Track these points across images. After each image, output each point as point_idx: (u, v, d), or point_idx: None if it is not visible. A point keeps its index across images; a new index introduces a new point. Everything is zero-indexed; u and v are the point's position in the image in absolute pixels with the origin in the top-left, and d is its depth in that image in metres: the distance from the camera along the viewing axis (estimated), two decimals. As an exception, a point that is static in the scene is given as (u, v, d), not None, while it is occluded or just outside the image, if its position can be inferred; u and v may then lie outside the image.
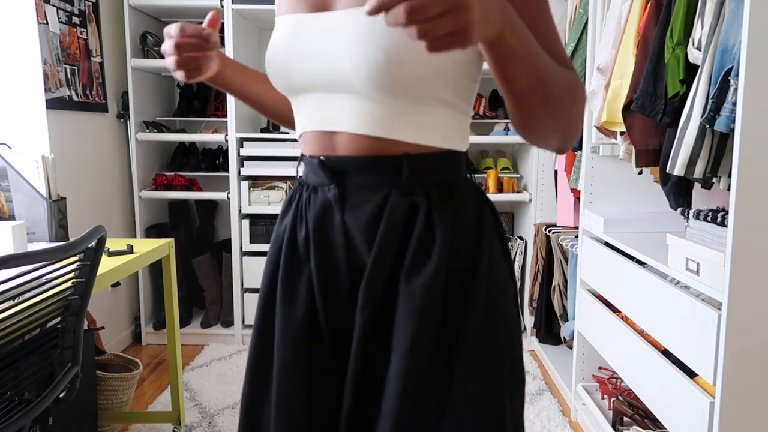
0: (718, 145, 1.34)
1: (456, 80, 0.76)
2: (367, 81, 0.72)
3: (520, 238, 3.06)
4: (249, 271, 3.00)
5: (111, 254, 1.71)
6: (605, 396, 2.09)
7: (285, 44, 0.79)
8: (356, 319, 0.76)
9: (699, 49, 1.38)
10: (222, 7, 2.76)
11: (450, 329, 0.75)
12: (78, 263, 1.25)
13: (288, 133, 3.02)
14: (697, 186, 1.63)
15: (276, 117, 1.02)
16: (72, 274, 1.25)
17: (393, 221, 0.75)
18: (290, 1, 0.81)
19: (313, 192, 0.81)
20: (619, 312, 1.84)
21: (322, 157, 0.79)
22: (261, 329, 0.89)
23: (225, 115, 2.94)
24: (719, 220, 1.32)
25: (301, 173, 0.87)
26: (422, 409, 0.73)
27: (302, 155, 0.85)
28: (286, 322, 0.82)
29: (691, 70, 1.41)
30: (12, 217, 1.84)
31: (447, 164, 0.79)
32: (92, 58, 2.68)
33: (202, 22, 0.86)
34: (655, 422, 1.82)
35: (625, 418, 1.92)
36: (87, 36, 2.63)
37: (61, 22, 2.43)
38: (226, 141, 2.89)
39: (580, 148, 2.21)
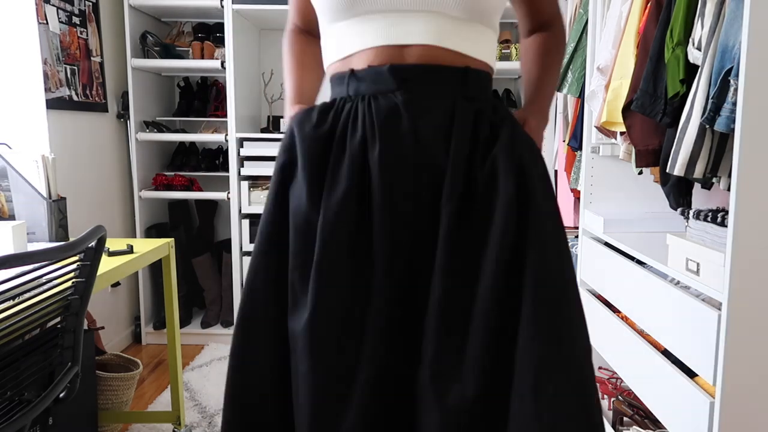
0: (718, 145, 1.34)
1: (501, 12, 0.88)
2: (464, 4, 0.80)
3: (520, 238, 3.06)
4: (249, 271, 3.00)
5: (111, 254, 1.71)
6: (605, 396, 2.09)
7: None
8: (442, 211, 0.81)
9: (699, 49, 1.38)
10: (222, 7, 2.76)
11: (525, 217, 0.83)
12: (78, 263, 1.26)
13: (288, 133, 3.02)
14: (697, 186, 1.63)
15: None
16: (72, 274, 1.26)
17: (465, 123, 0.82)
18: None
19: (373, 99, 0.83)
20: (619, 312, 1.84)
21: (389, 65, 0.82)
22: (266, 252, 0.89)
23: (225, 115, 2.94)
24: (719, 220, 1.32)
25: (337, 92, 0.91)
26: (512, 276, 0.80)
27: (350, 72, 0.87)
28: (329, 208, 0.83)
29: (691, 70, 1.41)
30: (12, 217, 1.84)
31: (490, 84, 0.91)
32: (92, 58, 2.68)
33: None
34: (655, 422, 1.82)
35: (625, 418, 1.92)
36: (87, 36, 2.63)
37: (61, 22, 2.43)
38: (226, 141, 2.89)
39: (580, 148, 2.21)
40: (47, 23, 2.33)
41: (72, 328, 1.32)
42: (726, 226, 1.25)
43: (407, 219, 0.83)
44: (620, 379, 2.07)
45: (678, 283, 1.49)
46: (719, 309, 1.25)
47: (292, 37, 1.09)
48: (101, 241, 1.27)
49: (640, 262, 1.68)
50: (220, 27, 2.90)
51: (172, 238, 1.98)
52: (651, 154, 1.62)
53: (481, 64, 0.87)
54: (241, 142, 2.91)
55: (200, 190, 3.09)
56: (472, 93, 0.85)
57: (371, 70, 0.84)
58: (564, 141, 2.50)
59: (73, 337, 1.34)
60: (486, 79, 0.89)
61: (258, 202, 2.95)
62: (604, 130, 1.89)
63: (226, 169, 2.96)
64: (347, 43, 0.87)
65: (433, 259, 0.81)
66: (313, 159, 0.86)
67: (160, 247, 1.88)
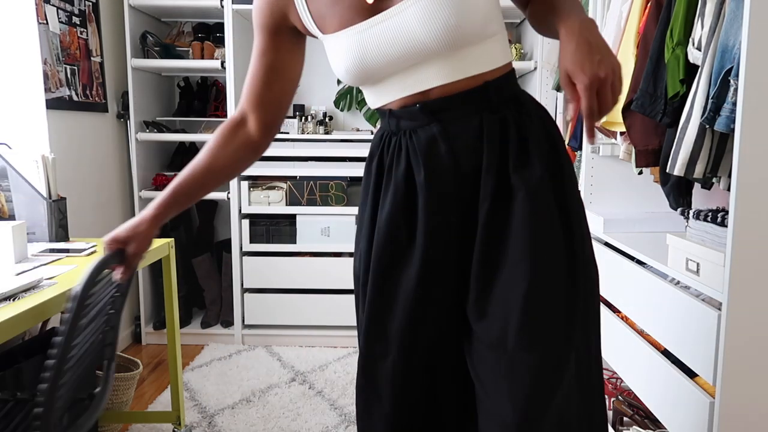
0: (718, 145, 1.34)
1: (495, 11, 0.93)
2: (447, 44, 0.88)
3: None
4: (249, 271, 3.00)
5: (111, 254, 1.71)
6: (605, 396, 2.09)
7: (359, 52, 0.92)
8: (479, 213, 0.92)
9: (699, 49, 1.38)
10: (222, 7, 2.76)
11: (560, 204, 0.93)
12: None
13: (288, 133, 3.02)
14: (697, 186, 1.63)
15: (221, 180, 1.12)
16: (112, 290, 1.28)
17: (492, 135, 0.92)
18: (340, 19, 0.93)
19: (413, 133, 0.95)
20: (619, 312, 1.84)
21: (418, 105, 0.93)
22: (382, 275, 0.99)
23: (225, 115, 2.94)
24: (719, 220, 1.32)
25: (379, 128, 1.05)
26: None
27: (389, 110, 0.98)
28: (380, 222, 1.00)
29: (691, 70, 1.41)
30: (12, 217, 1.84)
31: (511, 78, 0.98)
32: (92, 58, 2.68)
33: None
34: (655, 422, 1.82)
35: (625, 418, 1.92)
36: (87, 36, 2.63)
37: (61, 22, 2.43)
38: None
39: (580, 148, 2.21)
40: (47, 23, 2.33)
41: (111, 341, 1.39)
42: (726, 226, 1.25)
43: (452, 224, 0.95)
44: (620, 379, 2.07)
45: (678, 283, 1.49)
46: (719, 309, 1.25)
47: (223, 128, 1.12)
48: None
49: (640, 262, 1.68)
50: (220, 27, 2.90)
51: (172, 238, 1.98)
52: (651, 154, 1.62)
53: (496, 71, 0.94)
54: (241, 142, 2.90)
55: (200, 190, 3.08)
56: (496, 102, 0.94)
57: (405, 110, 0.96)
58: (564, 141, 2.49)
59: (112, 350, 1.41)
60: (505, 79, 0.96)
61: (258, 202, 2.95)
62: (604, 130, 1.89)
63: (226, 169, 2.96)
64: (378, 98, 1.00)
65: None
66: (376, 189, 1.02)
67: (160, 247, 1.88)
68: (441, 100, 0.93)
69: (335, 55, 0.95)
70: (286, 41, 1.04)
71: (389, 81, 0.94)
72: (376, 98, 1.00)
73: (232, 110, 2.83)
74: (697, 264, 1.35)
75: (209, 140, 1.11)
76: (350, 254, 2.95)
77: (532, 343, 0.88)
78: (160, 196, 1.07)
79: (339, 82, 3.24)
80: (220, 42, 2.95)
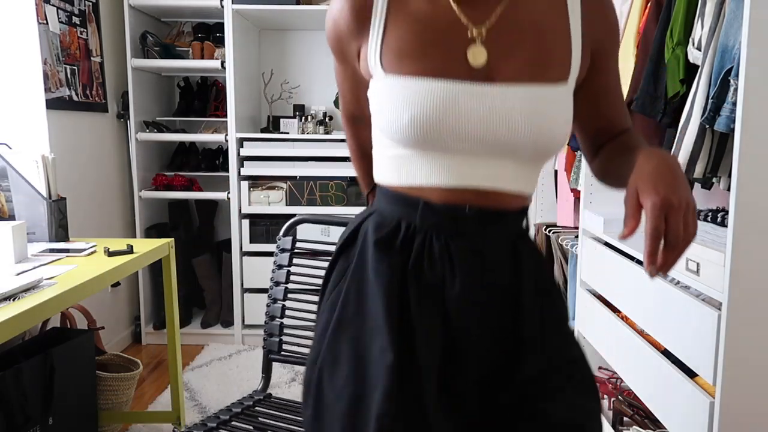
0: (718, 145, 1.34)
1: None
2: (537, 149, 0.81)
3: (520, 238, 3.06)
4: (249, 271, 3.00)
5: (111, 254, 1.71)
6: (605, 396, 2.09)
7: (445, 106, 0.78)
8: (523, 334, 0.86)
9: (699, 49, 1.38)
10: (222, 7, 2.76)
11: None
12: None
13: (288, 132, 3.02)
14: (697, 186, 1.63)
15: None
16: None
17: (528, 264, 0.86)
18: (432, 65, 0.79)
19: (450, 240, 0.83)
20: (619, 312, 1.84)
21: (468, 207, 0.82)
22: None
23: (225, 115, 2.94)
24: (719, 220, 1.32)
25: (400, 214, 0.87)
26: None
27: (425, 202, 0.84)
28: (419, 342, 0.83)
29: (691, 70, 1.41)
30: (12, 217, 1.84)
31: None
32: (92, 58, 2.68)
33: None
34: (655, 422, 1.82)
35: (625, 418, 1.92)
36: (87, 36, 2.63)
37: (61, 22, 2.43)
38: (226, 141, 2.89)
39: (579, 148, 2.21)
40: (47, 23, 2.33)
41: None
42: (726, 226, 1.25)
43: (486, 340, 0.85)
44: (620, 379, 2.07)
45: (678, 283, 1.49)
46: (719, 309, 1.25)
47: (350, 127, 1.10)
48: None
49: (640, 262, 1.68)
50: (220, 27, 2.90)
51: (172, 238, 1.98)
52: (651, 154, 1.62)
53: (529, 197, 0.89)
54: (241, 142, 2.91)
55: (200, 190, 3.09)
56: (523, 227, 0.90)
57: (447, 208, 0.83)
58: (564, 141, 2.49)
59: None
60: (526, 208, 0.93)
61: (258, 202, 2.95)
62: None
63: (226, 169, 2.96)
64: (415, 172, 0.84)
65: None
66: (391, 296, 0.84)
67: (160, 247, 1.88)
68: (488, 211, 0.83)
69: (404, 99, 0.79)
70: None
71: (442, 155, 0.81)
72: (407, 173, 0.84)
73: (232, 110, 2.83)
74: (697, 264, 1.35)
75: (353, 144, 1.13)
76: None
77: None
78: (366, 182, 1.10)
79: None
80: (220, 42, 2.95)
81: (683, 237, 0.72)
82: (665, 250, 0.74)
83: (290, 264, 1.59)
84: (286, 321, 1.58)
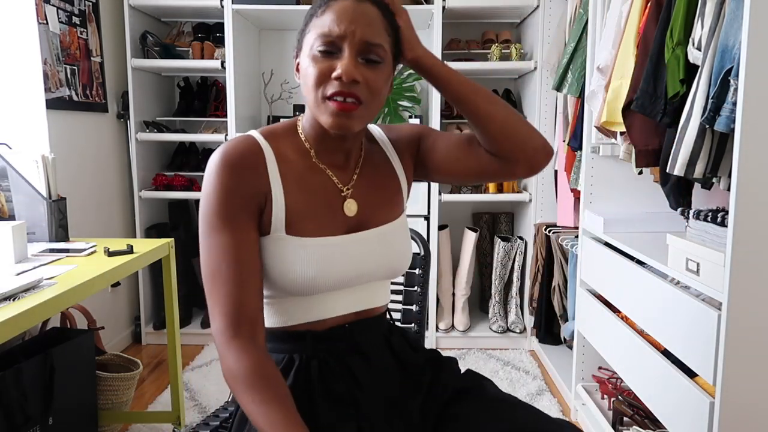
0: (718, 145, 1.34)
1: None
2: (392, 273, 1.05)
3: (520, 238, 3.06)
4: (249, 271, 2.99)
5: (111, 254, 1.71)
6: (605, 396, 2.09)
7: (322, 263, 0.95)
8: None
9: (699, 49, 1.38)
10: (222, 7, 2.76)
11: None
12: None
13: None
14: (697, 186, 1.63)
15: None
16: None
17: (400, 351, 1.08)
18: (320, 226, 0.97)
19: (343, 355, 1.01)
20: (619, 312, 1.84)
21: (347, 324, 1.02)
22: None
23: (225, 115, 2.94)
24: (719, 220, 1.32)
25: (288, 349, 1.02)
26: None
27: (311, 333, 1.00)
28: None
29: (691, 70, 1.41)
30: (12, 217, 1.84)
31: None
32: (92, 58, 2.68)
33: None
34: (655, 422, 1.82)
35: (625, 418, 1.93)
36: (87, 36, 2.63)
37: (61, 22, 2.43)
38: (226, 141, 2.89)
39: (580, 148, 2.21)
40: (47, 23, 2.33)
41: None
42: (726, 226, 1.25)
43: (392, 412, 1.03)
44: (620, 379, 2.07)
45: (678, 283, 1.49)
46: (719, 309, 1.25)
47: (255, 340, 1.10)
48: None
49: (640, 262, 1.68)
50: (220, 27, 2.90)
51: (172, 238, 1.98)
52: (651, 154, 1.62)
53: (387, 304, 1.12)
54: (241, 142, 2.90)
55: (200, 190, 3.08)
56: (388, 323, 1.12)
57: (332, 332, 1.01)
58: (564, 141, 2.50)
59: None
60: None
61: (258, 202, 2.95)
62: (604, 130, 1.89)
63: (226, 169, 2.95)
64: (301, 314, 1.00)
65: None
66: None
67: (160, 247, 1.88)
68: (363, 321, 1.04)
69: (297, 259, 0.93)
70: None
71: (331, 296, 0.99)
72: (299, 314, 0.99)
73: (232, 110, 2.83)
74: (697, 264, 1.35)
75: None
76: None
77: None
78: None
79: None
80: (220, 42, 2.95)
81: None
82: None
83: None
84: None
